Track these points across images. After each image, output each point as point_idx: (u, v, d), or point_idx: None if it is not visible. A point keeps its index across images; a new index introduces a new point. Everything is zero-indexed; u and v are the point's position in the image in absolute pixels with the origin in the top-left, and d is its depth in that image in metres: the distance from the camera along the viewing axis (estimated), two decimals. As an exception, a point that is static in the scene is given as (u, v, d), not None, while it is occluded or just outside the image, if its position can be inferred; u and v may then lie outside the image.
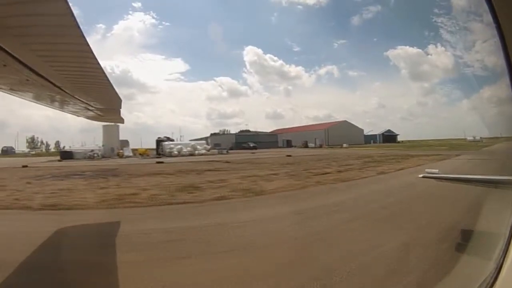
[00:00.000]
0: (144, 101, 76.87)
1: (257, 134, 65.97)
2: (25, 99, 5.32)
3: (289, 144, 67.93)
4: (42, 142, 70.43)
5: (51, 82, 4.42)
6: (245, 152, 46.32)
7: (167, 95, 68.84)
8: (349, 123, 74.69)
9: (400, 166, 20.62)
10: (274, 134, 71.62)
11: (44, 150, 67.61)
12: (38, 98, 5.32)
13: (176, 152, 41.96)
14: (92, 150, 42.09)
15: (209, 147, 48.03)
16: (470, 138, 64.22)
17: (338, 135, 68.93)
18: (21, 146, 64.49)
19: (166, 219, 8.36)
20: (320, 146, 59.84)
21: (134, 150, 46.87)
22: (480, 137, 59.80)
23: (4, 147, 62.40)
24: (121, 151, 44.69)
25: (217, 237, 6.61)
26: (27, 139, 67.50)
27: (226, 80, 74.29)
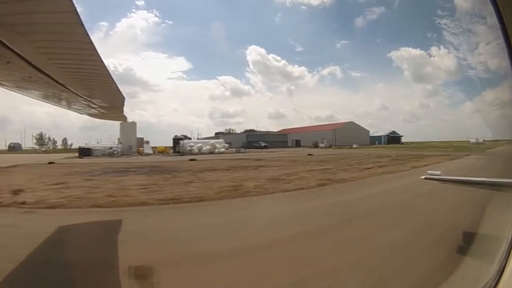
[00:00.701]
0: (146, 99, 76.57)
1: (267, 134, 66.11)
2: (29, 96, 5.33)
3: (298, 144, 68.30)
4: (49, 139, 70.25)
5: (55, 80, 4.43)
6: (260, 151, 47.04)
7: (169, 93, 68.52)
8: (356, 124, 74.93)
9: (424, 163, 23.66)
10: (283, 134, 71.89)
11: (51, 147, 67.51)
12: (41, 96, 5.33)
13: (196, 150, 42.29)
14: (110, 147, 42.34)
15: (227, 145, 48.21)
16: (473, 140, 64.09)
17: (345, 136, 69.20)
18: (27, 143, 64.47)
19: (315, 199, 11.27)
20: (330, 146, 60.19)
21: (152, 148, 47.31)
22: (483, 140, 59.66)
23: (12, 143, 62.39)
24: (141, 148, 44.83)
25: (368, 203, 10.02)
26: (34, 136, 67.25)
27: (229, 79, 73.75)
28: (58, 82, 4.54)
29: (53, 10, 2.85)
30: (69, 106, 6.16)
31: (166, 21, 69.41)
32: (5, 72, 3.95)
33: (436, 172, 5.58)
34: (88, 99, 5.48)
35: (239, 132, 67.61)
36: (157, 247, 5.94)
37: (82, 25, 3.15)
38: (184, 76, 70.32)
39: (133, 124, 53.08)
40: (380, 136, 77.71)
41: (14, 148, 61.22)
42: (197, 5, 73.82)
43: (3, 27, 2.95)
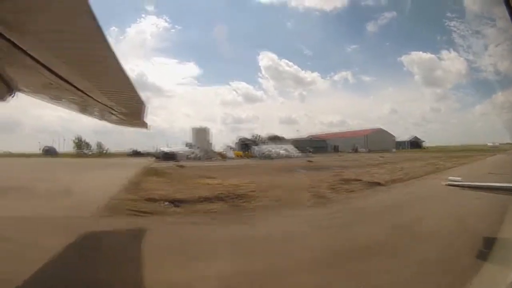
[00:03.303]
0: (158, 104, 77.18)
1: (310, 140, 67.05)
2: (48, 102, 5.31)
3: (336, 149, 69.43)
4: (85, 143, 71.96)
5: (76, 87, 4.35)
6: (320, 156, 49.31)
7: (181, 99, 68.95)
8: (383, 130, 75.89)
9: (472, 159, 31.07)
10: (323, 140, 72.84)
11: (96, 151, 68.95)
12: (61, 102, 5.30)
13: (274, 155, 44.55)
14: (192, 152, 44.04)
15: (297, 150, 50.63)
16: (490, 143, 64.14)
17: (374, 142, 70.37)
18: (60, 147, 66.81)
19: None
20: (369, 151, 61.59)
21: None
22: (499, 143, 59.97)
23: (46, 147, 64.74)
24: (224, 152, 47.31)
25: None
26: (73, 140, 69.25)
27: (241, 84, 74.02)
28: (78, 89, 4.46)
29: (73, 17, 2.75)
30: (89, 113, 6.14)
31: (176, 26, 70.09)
32: (25, 78, 3.92)
33: (457, 178, 5.36)
34: (109, 105, 5.40)
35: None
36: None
37: (102, 31, 3.04)
38: (195, 81, 70.79)
39: (206, 129, 55.42)
40: (404, 141, 78.05)
41: (50, 152, 63.31)
42: (207, 10, 74.32)
43: (24, 35, 2.90)
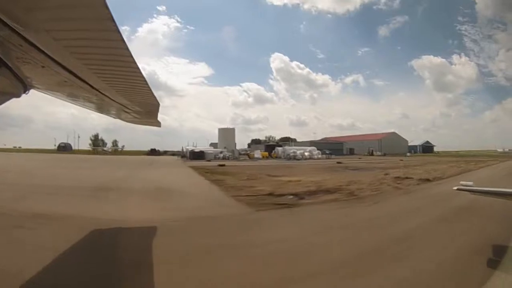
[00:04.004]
0: (169, 104, 77.20)
1: (327, 142, 68.97)
2: (62, 100, 5.27)
3: (351, 152, 69.91)
4: (101, 140, 73.33)
5: (90, 85, 4.28)
6: (342, 158, 51.14)
7: (192, 98, 69.08)
8: (397, 134, 75.94)
9: (486, 163, 33.64)
10: (340, 143, 73.77)
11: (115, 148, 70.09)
12: (75, 99, 5.25)
13: (300, 156, 46.05)
14: (221, 152, 45.99)
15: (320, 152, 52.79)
16: (500, 149, 64.54)
17: (388, 145, 70.53)
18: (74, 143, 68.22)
19: None
20: (384, 155, 62.41)
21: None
22: (509, 149, 60.33)
23: (62, 143, 66.68)
24: (252, 153, 49.85)
25: None
26: (90, 138, 70.83)
27: (252, 86, 73.67)
28: (93, 87, 4.39)
29: (89, 16, 2.65)
30: (103, 110, 6.09)
31: (188, 26, 70.06)
32: (39, 76, 3.86)
33: (469, 183, 5.12)
34: (123, 104, 5.32)
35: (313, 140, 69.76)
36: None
37: (119, 31, 2.92)
38: (206, 81, 70.65)
39: (232, 130, 56.66)
40: (416, 145, 77.37)
41: (65, 148, 65.10)
42: (218, 11, 74.07)
43: (38, 33, 2.83)
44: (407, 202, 11.86)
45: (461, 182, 5.85)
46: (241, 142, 58.50)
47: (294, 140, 68.06)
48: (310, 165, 34.37)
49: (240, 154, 48.95)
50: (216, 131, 51.95)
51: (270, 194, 12.06)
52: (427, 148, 78.93)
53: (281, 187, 14.01)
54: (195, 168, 26.74)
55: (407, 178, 18.58)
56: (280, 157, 47.56)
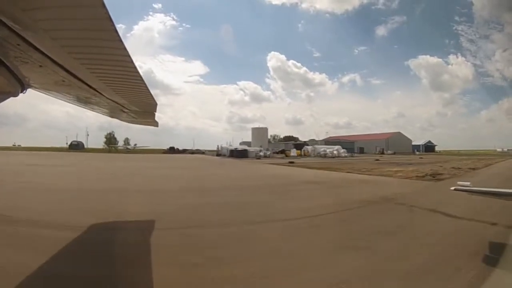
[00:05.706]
0: (165, 102, 76.60)
1: (339, 141, 70.28)
2: (60, 99, 5.28)
3: (361, 150, 70.57)
4: (114, 138, 72.58)
5: (88, 84, 4.30)
6: (358, 156, 53.61)
7: (188, 97, 69.23)
8: (402, 134, 76.50)
9: (494, 161, 35.11)
10: (351, 142, 74.66)
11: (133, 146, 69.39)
12: (73, 99, 5.26)
13: (330, 154, 48.70)
14: (260, 150, 47.67)
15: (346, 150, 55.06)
16: (499, 149, 64.96)
17: (394, 144, 71.09)
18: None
19: None
20: (394, 153, 63.33)
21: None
22: (507, 149, 61.20)
23: (74, 141, 66.37)
24: (288, 151, 51.77)
25: None
26: (105, 135, 70.33)
27: (248, 84, 73.08)
28: (91, 87, 4.41)
29: (87, 16, 2.67)
30: (100, 110, 6.09)
31: (184, 24, 69.66)
32: (37, 75, 3.87)
33: (466, 183, 5.14)
34: (120, 103, 5.34)
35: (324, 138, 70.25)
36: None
37: (116, 31, 2.94)
38: (201, 80, 70.47)
39: (265, 129, 57.02)
40: (419, 145, 78.37)
41: (78, 146, 64.75)
42: (214, 9, 73.82)
43: (36, 33, 2.85)
44: (483, 176, 18.27)
45: (458, 183, 5.89)
46: (237, 141, 58.46)
47: (297, 139, 68.35)
48: (353, 161, 36.62)
49: (274, 152, 50.41)
50: (212, 130, 52.04)
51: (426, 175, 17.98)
52: (429, 147, 79.95)
53: (404, 172, 19.82)
54: (290, 165, 29.88)
55: (457, 168, 23.03)
56: (310, 155, 49.38)
